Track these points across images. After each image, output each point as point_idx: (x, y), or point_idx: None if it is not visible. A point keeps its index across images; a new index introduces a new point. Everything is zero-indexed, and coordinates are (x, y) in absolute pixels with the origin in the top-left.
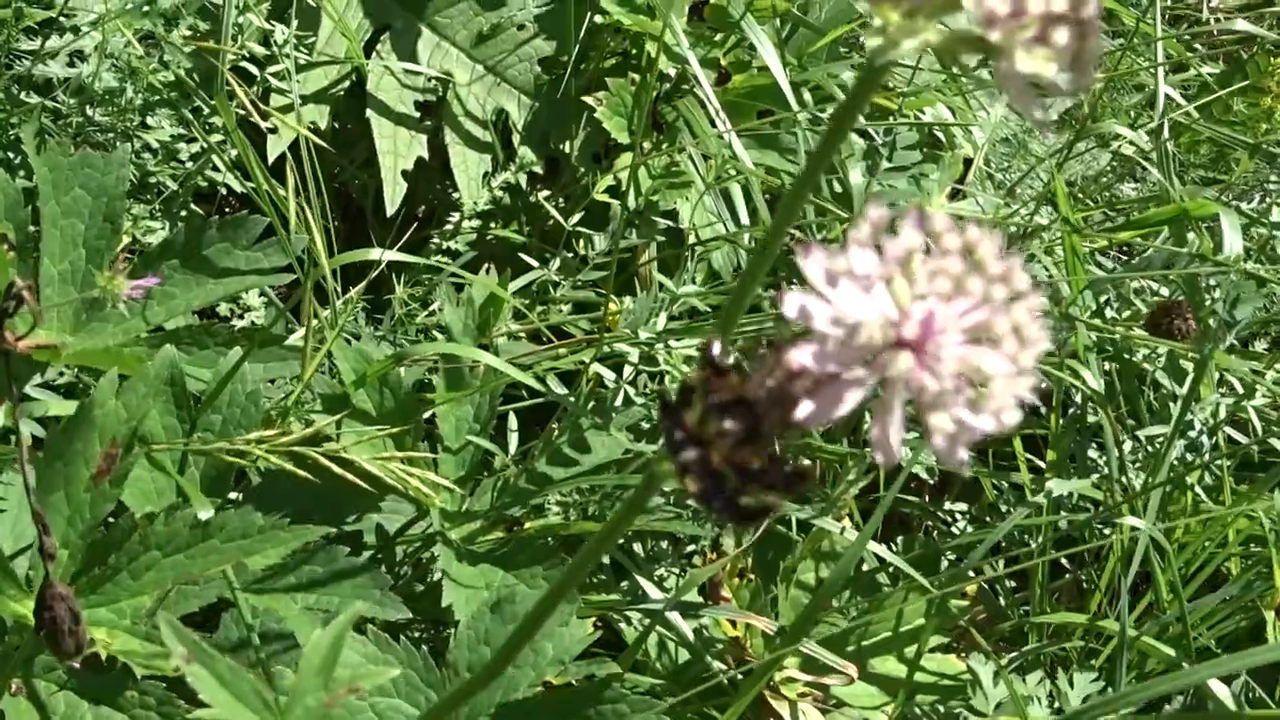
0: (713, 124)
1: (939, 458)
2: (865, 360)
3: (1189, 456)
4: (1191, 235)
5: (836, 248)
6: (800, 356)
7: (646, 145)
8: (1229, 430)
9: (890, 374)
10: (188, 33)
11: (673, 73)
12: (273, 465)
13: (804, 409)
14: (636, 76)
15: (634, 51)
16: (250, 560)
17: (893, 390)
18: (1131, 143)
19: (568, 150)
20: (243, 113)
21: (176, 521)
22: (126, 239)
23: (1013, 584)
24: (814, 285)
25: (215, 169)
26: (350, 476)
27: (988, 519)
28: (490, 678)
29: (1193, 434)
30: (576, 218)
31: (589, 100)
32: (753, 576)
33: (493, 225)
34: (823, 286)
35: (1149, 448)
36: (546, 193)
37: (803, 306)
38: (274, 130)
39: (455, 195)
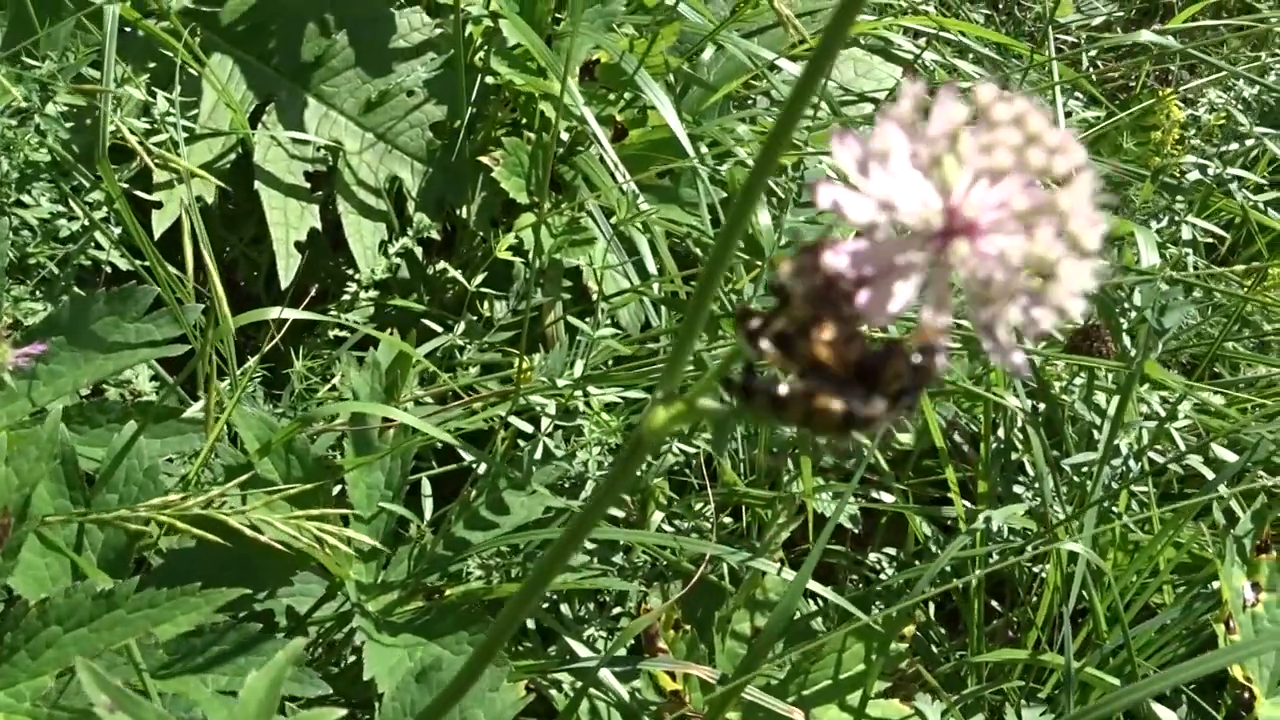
0: (613, 178)
1: (995, 359)
2: (916, 252)
3: (1115, 485)
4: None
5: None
6: (843, 255)
7: (546, 205)
8: (1153, 455)
9: (949, 259)
10: (65, 106)
11: (567, 136)
12: (175, 542)
13: (860, 300)
14: (533, 136)
15: (524, 120)
16: (161, 630)
17: (944, 282)
18: None
19: (465, 215)
20: (126, 186)
21: (78, 593)
22: (7, 319)
23: (943, 630)
24: (850, 175)
25: (99, 247)
26: (266, 540)
27: (916, 563)
28: None
29: (1117, 461)
30: (480, 279)
31: (485, 160)
32: (688, 628)
33: (392, 298)
34: (859, 177)
35: (1075, 477)
36: (443, 264)
37: (837, 198)
38: (159, 205)
39: (350, 271)
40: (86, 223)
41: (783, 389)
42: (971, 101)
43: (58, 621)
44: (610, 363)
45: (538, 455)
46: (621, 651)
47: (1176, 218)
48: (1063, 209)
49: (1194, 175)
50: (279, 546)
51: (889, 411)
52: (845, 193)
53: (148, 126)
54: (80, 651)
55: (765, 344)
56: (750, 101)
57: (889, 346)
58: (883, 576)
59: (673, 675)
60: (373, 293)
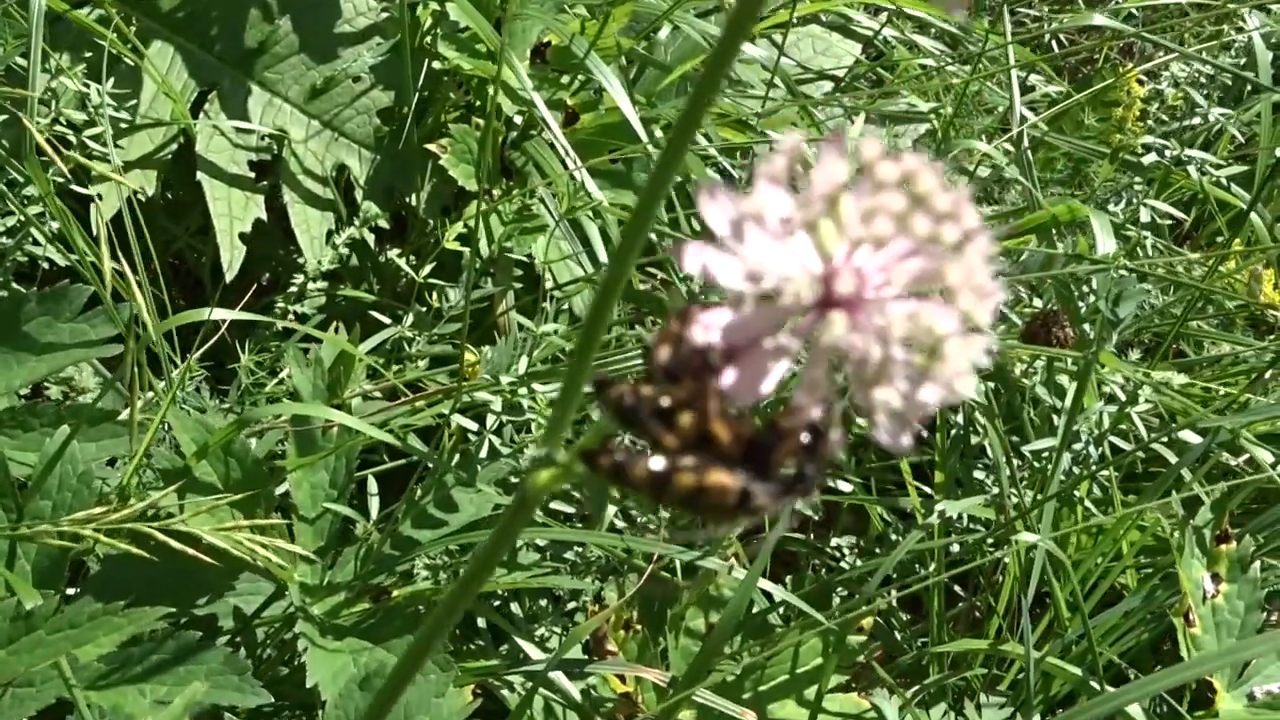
0: (564, 165)
1: (881, 440)
2: (787, 325)
3: (1076, 470)
4: (1061, 246)
5: (744, 191)
6: (711, 326)
7: (497, 192)
8: (1114, 439)
9: (824, 341)
10: None
11: (520, 120)
12: (112, 550)
13: (727, 379)
14: (482, 122)
15: (477, 102)
16: (82, 651)
17: (821, 361)
18: (988, 158)
19: (414, 203)
20: (61, 180)
21: None
22: None
23: (907, 616)
24: (719, 236)
25: (36, 243)
26: (196, 554)
27: (876, 550)
28: None
29: (1079, 446)
30: (428, 269)
31: (433, 148)
32: (639, 628)
33: (341, 287)
34: (730, 238)
35: (1035, 463)
36: (396, 250)
37: (706, 262)
38: (99, 198)
39: (299, 258)
40: (20, 219)
41: (658, 464)
42: (856, 158)
43: None
44: (562, 353)
45: (483, 454)
46: (576, 649)
47: (1135, 199)
48: (951, 282)
49: (1151, 158)
50: (213, 559)
51: (782, 498)
52: (716, 255)
53: (85, 119)
54: None
55: (643, 418)
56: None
57: (777, 427)
58: (843, 565)
59: (622, 678)
60: (322, 283)
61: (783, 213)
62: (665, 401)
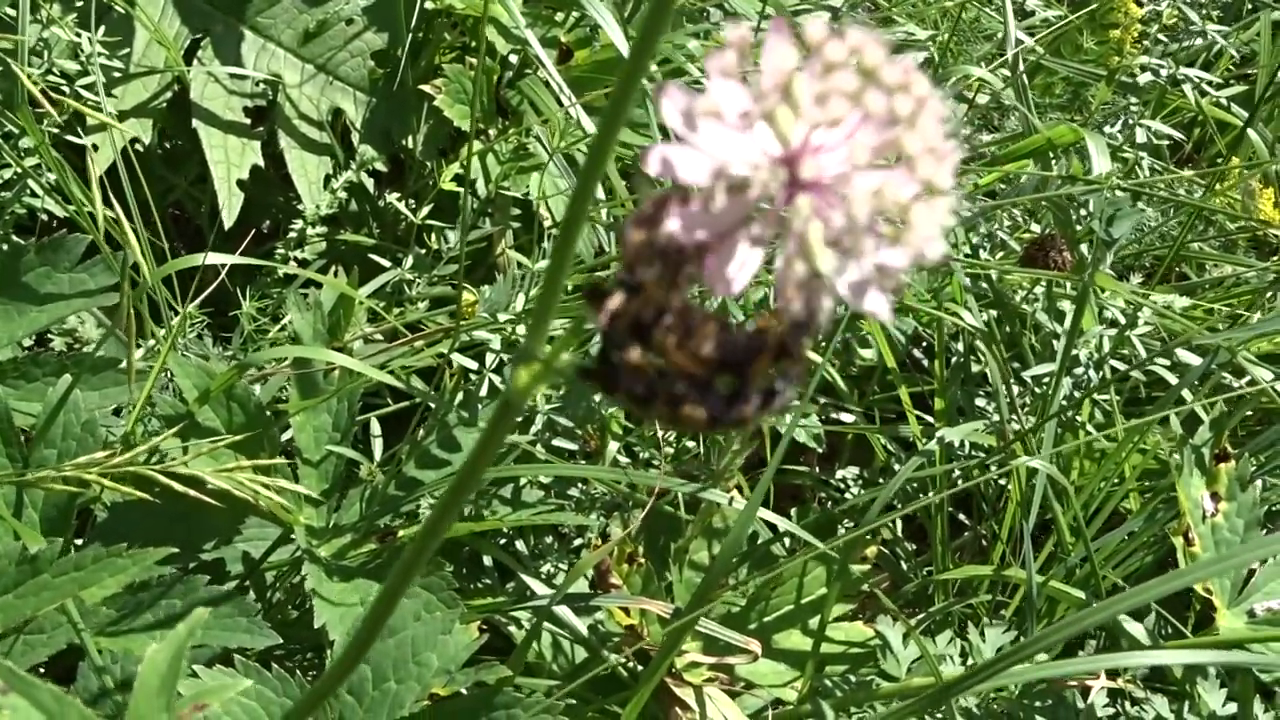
0: (559, 103)
1: (860, 310)
2: (756, 213)
3: (1077, 394)
4: (1056, 170)
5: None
6: (678, 223)
7: (493, 132)
8: (1115, 364)
9: (795, 225)
10: None
11: (515, 58)
12: (119, 498)
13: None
14: (476, 61)
15: (472, 42)
16: (88, 594)
17: (798, 243)
18: (985, 84)
19: (411, 145)
20: (56, 131)
21: (1, 559)
22: None
23: (913, 546)
24: (678, 133)
25: (34, 194)
26: (201, 497)
27: (880, 481)
28: (344, 672)
29: (1079, 370)
30: (425, 211)
31: (427, 89)
32: (644, 561)
33: (341, 231)
34: (689, 133)
35: (1036, 389)
36: (395, 194)
37: (667, 158)
38: (95, 148)
39: (298, 204)
40: (17, 171)
41: (642, 388)
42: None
43: None
44: (564, 292)
45: (484, 392)
46: (582, 585)
47: (1132, 120)
48: (910, 151)
49: (1147, 77)
50: (218, 502)
51: (760, 412)
52: (677, 150)
53: (79, 69)
54: (5, 620)
55: (623, 334)
56: (704, 15)
57: (753, 336)
58: (847, 497)
59: (627, 611)
60: (322, 228)
61: (739, 105)
62: (649, 311)
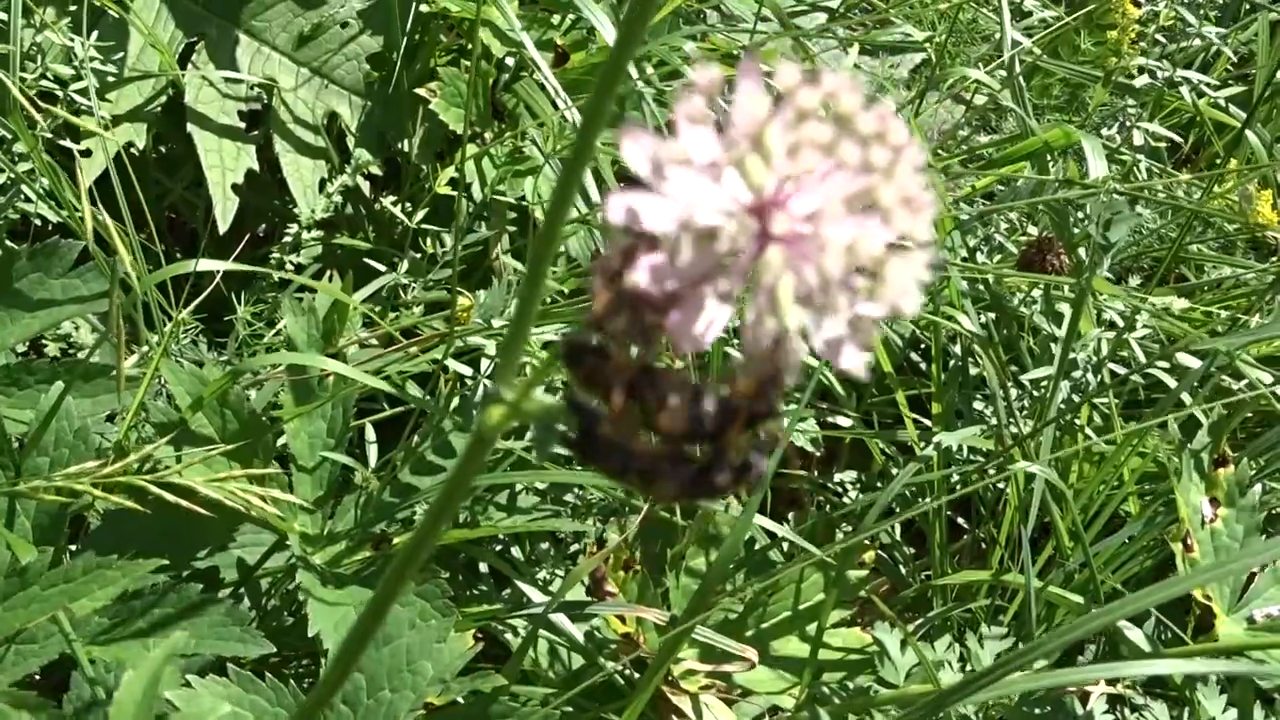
0: (555, 105)
1: (834, 365)
2: (725, 266)
3: (1075, 398)
4: (1054, 172)
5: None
6: (643, 274)
7: (489, 135)
8: (1113, 367)
9: (765, 279)
10: None
11: (511, 61)
12: (111, 506)
13: (669, 323)
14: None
15: (468, 45)
16: (78, 606)
17: (768, 298)
18: (982, 85)
19: (407, 149)
20: (50, 136)
21: None
22: None
23: (911, 550)
24: (645, 181)
25: (27, 199)
26: (193, 506)
27: (879, 485)
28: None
29: (1077, 374)
30: (421, 215)
31: (422, 92)
32: (640, 568)
33: (336, 236)
34: (656, 180)
35: (1034, 392)
36: (391, 197)
37: (630, 207)
38: (87, 153)
39: (293, 208)
40: (11, 176)
41: (616, 461)
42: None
43: None
44: (561, 295)
45: (479, 398)
46: (579, 590)
47: (1129, 122)
48: (884, 204)
49: (1144, 80)
50: (211, 513)
51: (734, 484)
52: (643, 198)
53: (72, 73)
54: None
55: (596, 409)
56: (700, 16)
57: (723, 403)
58: (846, 501)
59: (622, 619)
60: (317, 232)
61: (708, 154)
62: (618, 380)
